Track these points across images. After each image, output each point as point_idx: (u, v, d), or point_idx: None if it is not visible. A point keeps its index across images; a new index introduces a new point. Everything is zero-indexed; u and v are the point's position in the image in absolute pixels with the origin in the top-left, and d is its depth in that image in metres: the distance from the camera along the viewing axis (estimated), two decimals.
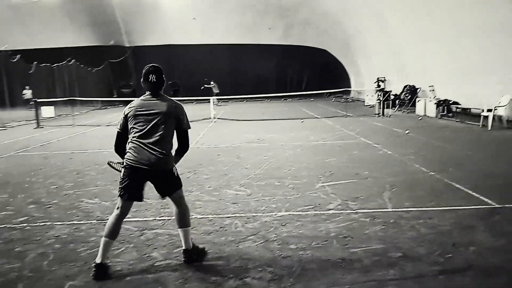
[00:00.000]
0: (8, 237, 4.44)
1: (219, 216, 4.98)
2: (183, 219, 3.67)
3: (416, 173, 6.90)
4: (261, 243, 4.13)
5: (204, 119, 17.25)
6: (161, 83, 3.53)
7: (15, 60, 21.62)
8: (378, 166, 7.50)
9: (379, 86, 22.07)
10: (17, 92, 23.07)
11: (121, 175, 3.53)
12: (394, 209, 5.04)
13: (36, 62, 23.37)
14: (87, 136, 13.32)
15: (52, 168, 8.20)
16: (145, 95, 3.57)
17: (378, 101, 17.91)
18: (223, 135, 12.17)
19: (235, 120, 17.14)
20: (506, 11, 12.01)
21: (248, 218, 4.87)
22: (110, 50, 30.88)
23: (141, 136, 3.44)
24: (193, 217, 4.88)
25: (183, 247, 3.69)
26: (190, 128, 3.68)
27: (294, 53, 32.21)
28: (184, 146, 3.66)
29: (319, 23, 28.99)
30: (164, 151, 3.45)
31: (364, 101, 23.44)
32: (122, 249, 4.04)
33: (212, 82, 27.22)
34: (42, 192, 6.34)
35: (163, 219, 4.86)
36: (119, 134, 3.60)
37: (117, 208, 3.53)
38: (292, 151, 9.27)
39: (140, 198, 3.57)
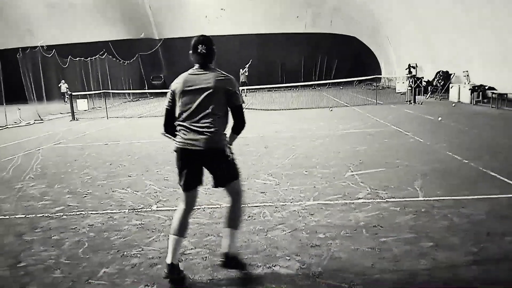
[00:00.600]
0: (46, 226, 4.64)
1: (248, 205, 5.01)
2: (232, 218, 3.32)
3: (449, 161, 6.71)
4: (290, 232, 4.13)
5: None
6: (210, 55, 3.24)
7: (50, 55, 22.32)
8: (409, 154, 7.34)
9: (410, 72, 21.47)
10: (53, 86, 23.87)
11: (176, 164, 3.29)
12: (425, 198, 4.93)
13: (70, 57, 24.07)
14: (120, 128, 13.66)
15: (86, 159, 8.47)
16: (193, 68, 3.28)
17: (410, 88, 17.46)
18: (251, 125, 12.14)
19: (264, 109, 17.12)
20: None
21: (276, 207, 4.88)
22: (140, 43, 31.44)
23: (188, 116, 3.16)
24: (222, 206, 4.95)
25: (225, 250, 3.28)
26: (242, 102, 3.37)
27: (323, 41, 31.76)
28: (239, 122, 3.30)
29: (347, 11, 28.44)
30: (212, 129, 3.12)
31: (395, 88, 22.91)
32: (153, 237, 4.14)
33: (245, 69, 25.70)
34: (78, 182, 6.57)
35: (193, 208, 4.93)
36: (168, 112, 3.31)
37: (182, 202, 3.33)
38: (321, 140, 9.19)
39: (199, 182, 3.30)
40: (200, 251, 3.78)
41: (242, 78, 25.28)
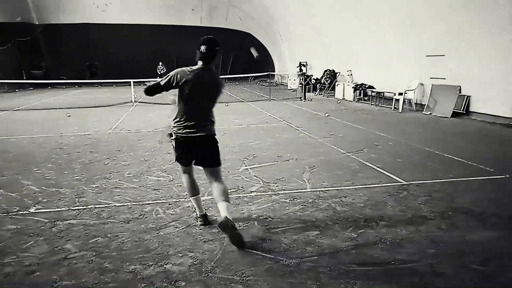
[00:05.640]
0: None
1: (139, 203, 4.83)
2: (227, 193, 3.90)
3: (334, 154, 7.23)
4: (183, 228, 4.08)
5: (124, 102, 16.56)
6: (212, 56, 4.08)
7: None
8: (299, 148, 7.74)
9: (301, 70, 22.63)
10: None
11: (173, 146, 4.09)
12: (312, 189, 5.25)
13: None
14: None
15: None
16: (197, 65, 4.03)
17: (300, 85, 18.42)
18: (145, 120, 11.73)
19: (158, 103, 16.61)
20: (415, 3, 12.85)
21: (169, 204, 4.78)
22: (17, 28, 28.21)
23: (194, 107, 3.95)
24: (111, 205, 4.70)
25: (225, 214, 3.62)
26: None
27: (218, 35, 31.11)
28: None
29: (242, 6, 28.90)
30: (212, 119, 4.17)
31: (287, 85, 24.01)
32: (31, 242, 3.76)
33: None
34: None
35: (78, 209, 4.60)
36: (159, 86, 3.95)
37: (183, 173, 4.10)
38: (217, 135, 9.20)
39: (191, 162, 4.06)
40: (85, 254, 3.52)
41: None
